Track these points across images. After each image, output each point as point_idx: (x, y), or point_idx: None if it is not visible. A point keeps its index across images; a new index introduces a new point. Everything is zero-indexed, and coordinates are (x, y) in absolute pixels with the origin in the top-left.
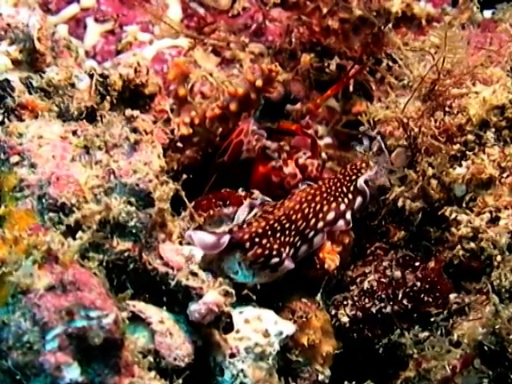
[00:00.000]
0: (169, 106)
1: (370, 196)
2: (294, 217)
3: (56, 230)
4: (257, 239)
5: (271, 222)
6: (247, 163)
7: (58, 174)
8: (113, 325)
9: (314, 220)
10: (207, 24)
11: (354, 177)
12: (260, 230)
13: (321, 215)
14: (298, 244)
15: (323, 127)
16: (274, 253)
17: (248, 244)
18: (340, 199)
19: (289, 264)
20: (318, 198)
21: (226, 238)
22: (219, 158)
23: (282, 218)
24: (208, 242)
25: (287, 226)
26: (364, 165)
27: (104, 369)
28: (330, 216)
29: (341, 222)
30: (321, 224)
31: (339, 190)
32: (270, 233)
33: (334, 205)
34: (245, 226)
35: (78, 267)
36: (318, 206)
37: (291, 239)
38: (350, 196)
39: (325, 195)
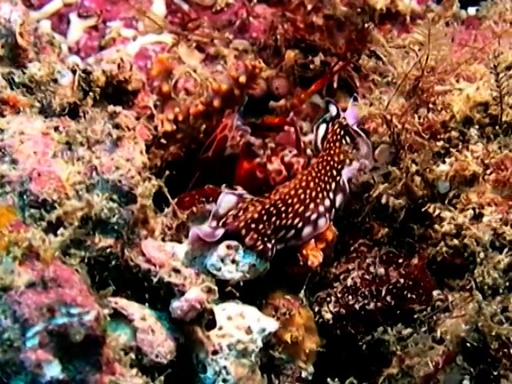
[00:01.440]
0: (152, 103)
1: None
2: (290, 200)
3: (37, 227)
4: (252, 225)
5: (267, 207)
6: (231, 159)
7: (39, 170)
8: (94, 322)
9: (313, 204)
10: (191, 20)
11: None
12: (256, 216)
13: (319, 199)
14: (300, 225)
15: (307, 124)
16: (266, 239)
17: (244, 231)
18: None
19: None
20: (312, 184)
21: (220, 231)
22: (203, 154)
23: (278, 202)
24: (202, 233)
25: (284, 209)
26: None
27: (85, 366)
28: (327, 203)
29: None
30: (321, 208)
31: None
32: (265, 217)
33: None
34: (240, 213)
35: (59, 264)
36: (314, 192)
37: (288, 222)
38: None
39: (317, 181)
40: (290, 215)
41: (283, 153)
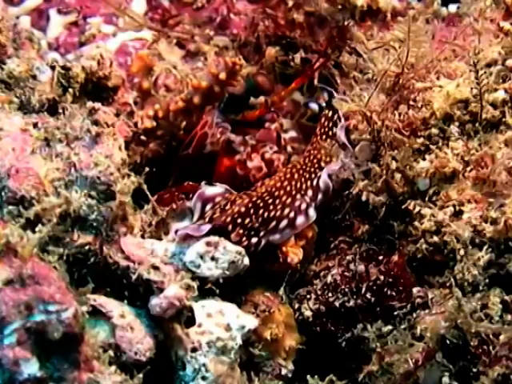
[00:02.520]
0: (132, 99)
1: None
2: (277, 192)
3: (15, 223)
4: (239, 220)
5: (254, 200)
6: (211, 156)
7: (17, 166)
8: (72, 319)
9: (299, 194)
10: (171, 17)
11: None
12: (242, 209)
13: (303, 191)
14: (292, 215)
15: (288, 121)
16: (252, 233)
17: (230, 226)
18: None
19: (265, 243)
20: (296, 176)
21: (206, 227)
22: (183, 151)
23: (265, 194)
24: (188, 229)
25: (270, 201)
26: (325, 156)
27: (63, 363)
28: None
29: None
30: (307, 198)
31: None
32: (252, 210)
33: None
34: (228, 206)
35: (37, 261)
36: (299, 183)
37: (277, 214)
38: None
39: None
40: (279, 206)
41: (264, 149)
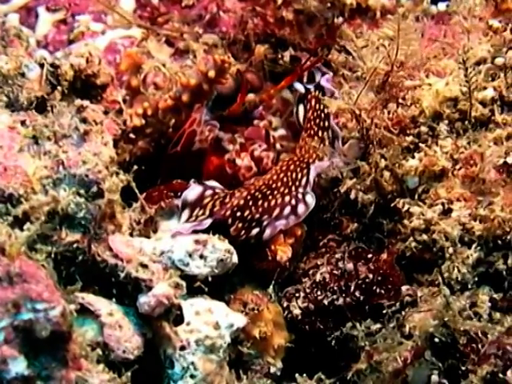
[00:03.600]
0: (121, 97)
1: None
2: (274, 185)
3: (3, 222)
4: (238, 213)
5: (252, 192)
6: (199, 154)
7: (5, 164)
8: (60, 317)
9: (296, 184)
10: (160, 14)
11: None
12: (241, 202)
13: (299, 180)
14: (293, 202)
15: (277, 119)
16: (253, 224)
17: (230, 220)
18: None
19: (272, 230)
20: (292, 167)
21: (207, 223)
22: (172, 149)
23: (263, 187)
24: (188, 228)
25: (268, 192)
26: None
27: (51, 362)
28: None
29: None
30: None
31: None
32: (251, 203)
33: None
34: (227, 199)
35: (25, 259)
36: (294, 174)
37: (278, 201)
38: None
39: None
40: (278, 196)
41: (253, 147)
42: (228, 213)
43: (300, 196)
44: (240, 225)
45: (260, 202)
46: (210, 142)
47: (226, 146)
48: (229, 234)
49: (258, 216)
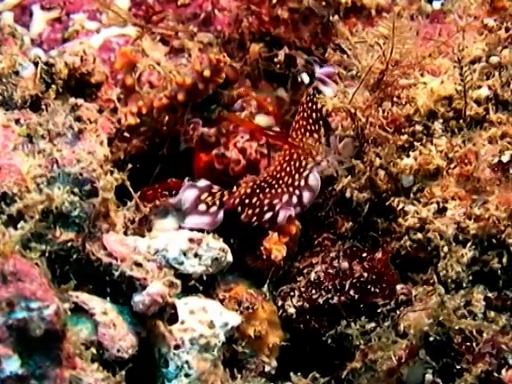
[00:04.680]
0: (116, 96)
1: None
2: (278, 175)
3: None
4: (246, 200)
5: (258, 182)
6: (187, 153)
7: None
8: (54, 316)
9: (298, 174)
10: (155, 13)
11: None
12: (248, 191)
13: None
14: (298, 192)
15: (271, 118)
16: (265, 208)
17: (239, 208)
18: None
19: (286, 212)
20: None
21: (220, 215)
22: (158, 152)
23: (268, 178)
24: (205, 223)
25: (274, 182)
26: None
27: (45, 361)
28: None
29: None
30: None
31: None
32: (258, 191)
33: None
34: (234, 189)
35: (19, 258)
36: (298, 162)
37: (284, 189)
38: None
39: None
40: (283, 185)
41: (235, 139)
42: (237, 201)
43: (303, 183)
44: (250, 211)
45: (267, 190)
46: (195, 140)
47: (211, 140)
48: (239, 223)
49: (268, 201)
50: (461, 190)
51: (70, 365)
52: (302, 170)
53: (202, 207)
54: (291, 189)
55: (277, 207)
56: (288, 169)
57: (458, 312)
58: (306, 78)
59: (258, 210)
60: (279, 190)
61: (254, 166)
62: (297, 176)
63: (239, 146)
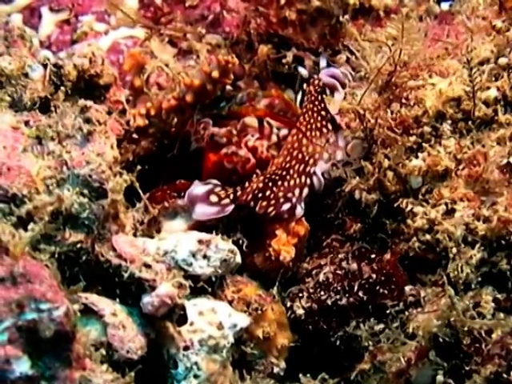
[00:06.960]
0: (124, 97)
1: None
2: (288, 165)
3: (7, 222)
4: (259, 194)
5: (268, 176)
6: (196, 155)
7: (8, 164)
8: (64, 317)
9: (308, 160)
10: (164, 14)
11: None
12: (260, 185)
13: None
14: (308, 183)
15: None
16: (282, 200)
17: (252, 203)
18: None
19: (302, 207)
20: (305, 141)
21: (230, 207)
22: (169, 153)
23: (277, 170)
24: (213, 213)
25: (284, 173)
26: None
27: (55, 362)
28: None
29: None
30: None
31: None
32: (270, 184)
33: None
34: (246, 184)
35: (28, 259)
36: (305, 148)
37: (296, 181)
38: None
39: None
40: (295, 174)
41: (246, 138)
42: (249, 197)
43: (312, 170)
44: (264, 203)
45: (280, 183)
46: (206, 140)
47: (221, 140)
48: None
49: (282, 194)
50: (469, 191)
51: (80, 366)
52: (311, 155)
53: (214, 198)
54: (303, 177)
55: (293, 200)
56: (299, 156)
57: (467, 313)
58: (303, 71)
59: (273, 201)
60: (291, 182)
61: (264, 164)
62: (309, 161)
63: (250, 144)
